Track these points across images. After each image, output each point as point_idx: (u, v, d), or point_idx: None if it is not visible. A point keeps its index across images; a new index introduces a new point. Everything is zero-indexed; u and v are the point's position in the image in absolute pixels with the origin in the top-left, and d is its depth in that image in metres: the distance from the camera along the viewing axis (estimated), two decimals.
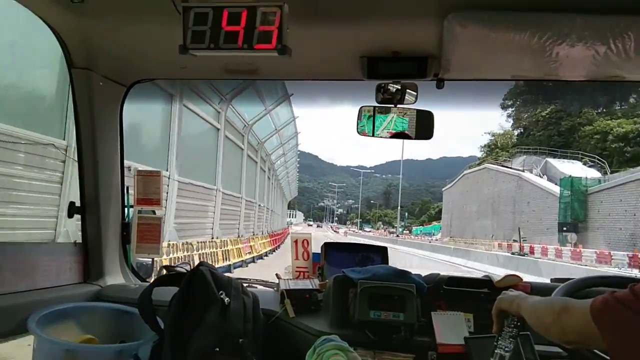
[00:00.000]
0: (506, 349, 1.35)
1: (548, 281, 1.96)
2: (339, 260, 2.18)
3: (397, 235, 75.12)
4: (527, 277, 1.99)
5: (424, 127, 1.93)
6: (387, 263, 2.18)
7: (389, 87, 1.85)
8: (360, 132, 1.99)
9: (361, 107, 1.96)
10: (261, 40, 1.35)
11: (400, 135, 1.95)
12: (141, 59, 1.97)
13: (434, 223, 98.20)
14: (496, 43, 1.54)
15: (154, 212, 2.30)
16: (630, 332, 0.92)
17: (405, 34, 1.59)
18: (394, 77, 1.77)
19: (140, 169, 2.32)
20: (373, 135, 1.97)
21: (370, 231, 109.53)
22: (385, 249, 2.30)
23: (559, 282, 1.63)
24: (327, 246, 2.26)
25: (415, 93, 1.87)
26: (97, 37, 1.81)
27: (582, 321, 1.01)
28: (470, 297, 1.84)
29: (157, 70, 2.12)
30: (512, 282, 1.84)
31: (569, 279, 1.58)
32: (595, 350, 1.34)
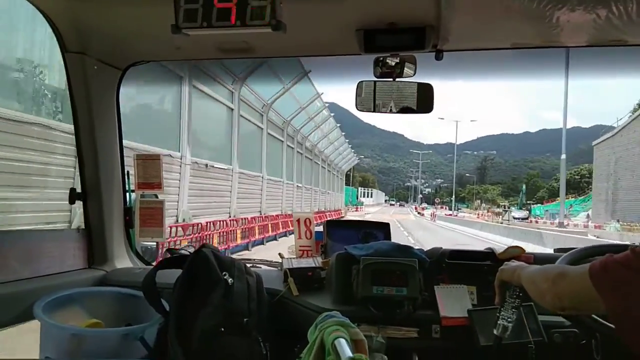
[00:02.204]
0: (509, 319, 1.36)
1: None
2: (342, 237, 2.18)
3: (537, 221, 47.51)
4: None
5: (424, 100, 1.90)
6: (389, 239, 2.17)
7: (387, 60, 1.81)
8: (360, 108, 1.96)
9: (360, 82, 1.92)
10: (254, 17, 1.32)
11: (401, 109, 1.92)
12: (135, 41, 1.94)
13: (558, 200, 77.39)
14: (495, 10, 1.51)
15: (156, 196, 2.30)
16: (631, 291, 0.92)
17: (402, 4, 1.55)
18: (392, 49, 1.73)
19: (142, 152, 2.31)
20: (373, 111, 1.94)
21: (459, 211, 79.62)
22: (387, 225, 2.30)
23: (562, 252, 1.62)
24: (330, 224, 2.25)
25: (414, 66, 1.83)
26: (89, 19, 1.78)
27: (579, 286, 1.01)
28: (473, 270, 1.84)
29: (152, 52, 2.09)
30: (515, 253, 1.83)
31: (572, 249, 1.58)
32: (596, 317, 1.34)
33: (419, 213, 71.51)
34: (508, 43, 1.77)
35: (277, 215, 21.01)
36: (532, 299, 1.25)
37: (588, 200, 65.13)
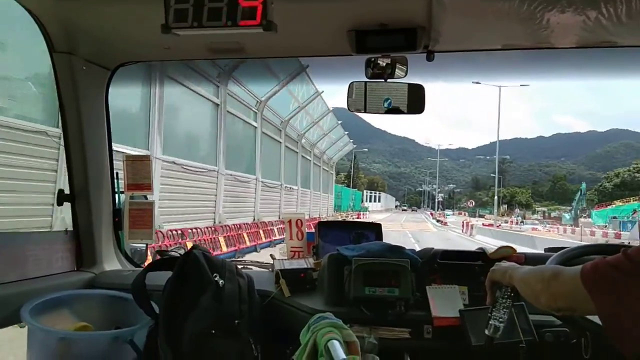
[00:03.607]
0: (500, 319, 1.36)
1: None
2: (333, 238, 2.18)
3: None
4: None
5: (415, 101, 1.90)
6: (381, 240, 2.18)
7: (378, 61, 1.81)
8: (352, 108, 1.96)
9: (351, 83, 1.92)
10: (245, 17, 1.32)
11: (392, 110, 1.92)
12: (124, 41, 1.92)
13: (617, 203, 54.23)
14: (486, 12, 1.51)
15: (145, 197, 2.28)
16: (621, 293, 0.93)
17: (393, 5, 1.55)
18: (383, 50, 1.73)
19: (127, 152, 2.29)
20: (365, 111, 1.94)
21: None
22: (379, 225, 2.30)
23: (552, 251, 1.63)
24: (321, 225, 2.25)
25: (405, 67, 1.83)
26: (78, 19, 1.76)
27: (572, 287, 1.01)
28: (465, 270, 1.85)
29: (141, 52, 2.07)
30: (506, 253, 1.84)
31: (563, 248, 1.59)
32: (588, 317, 1.35)
33: (438, 221, 51.75)
34: (499, 44, 1.78)
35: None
36: (527, 299, 1.25)
37: None
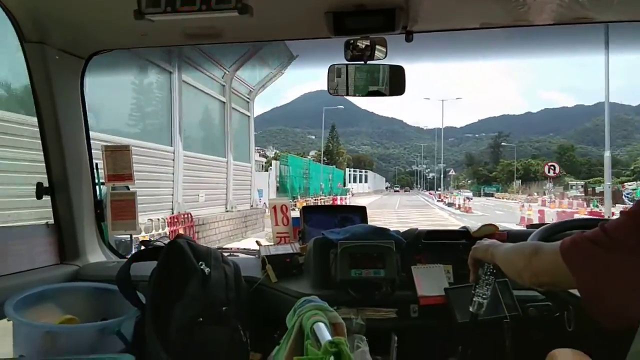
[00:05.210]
0: (484, 296, 1.38)
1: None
2: (319, 222, 2.19)
3: None
4: None
5: (396, 82, 1.89)
6: (366, 222, 2.19)
7: (357, 43, 1.80)
8: (332, 92, 1.95)
9: (331, 66, 1.90)
10: (220, 0, 1.30)
11: (373, 92, 1.92)
12: (97, 29, 1.87)
13: None
14: None
15: (127, 188, 2.25)
16: (600, 268, 0.94)
17: None
18: (362, 32, 1.71)
19: (110, 144, 2.25)
20: (347, 94, 1.93)
21: None
22: (364, 208, 2.31)
23: (534, 228, 1.65)
24: (306, 209, 2.25)
25: (384, 48, 1.82)
26: (48, 7, 1.71)
27: (553, 262, 1.02)
28: (449, 249, 1.87)
29: (115, 40, 2.02)
30: (489, 231, 1.86)
31: (544, 224, 1.61)
32: (570, 291, 1.37)
33: (450, 205, 35.95)
34: (477, 23, 1.78)
35: None
36: (509, 277, 1.27)
37: None
